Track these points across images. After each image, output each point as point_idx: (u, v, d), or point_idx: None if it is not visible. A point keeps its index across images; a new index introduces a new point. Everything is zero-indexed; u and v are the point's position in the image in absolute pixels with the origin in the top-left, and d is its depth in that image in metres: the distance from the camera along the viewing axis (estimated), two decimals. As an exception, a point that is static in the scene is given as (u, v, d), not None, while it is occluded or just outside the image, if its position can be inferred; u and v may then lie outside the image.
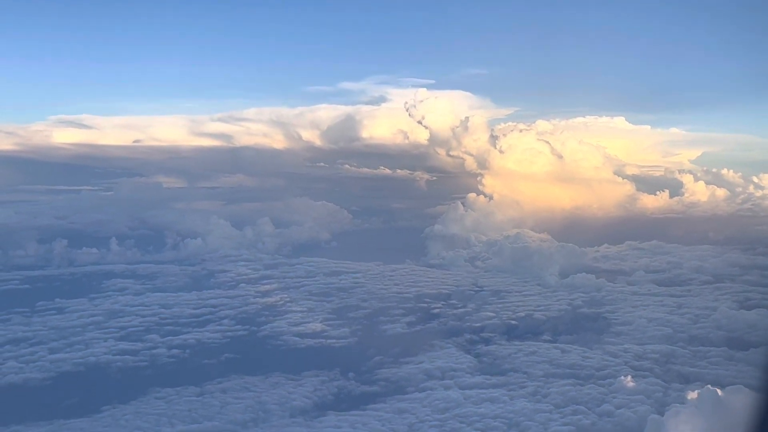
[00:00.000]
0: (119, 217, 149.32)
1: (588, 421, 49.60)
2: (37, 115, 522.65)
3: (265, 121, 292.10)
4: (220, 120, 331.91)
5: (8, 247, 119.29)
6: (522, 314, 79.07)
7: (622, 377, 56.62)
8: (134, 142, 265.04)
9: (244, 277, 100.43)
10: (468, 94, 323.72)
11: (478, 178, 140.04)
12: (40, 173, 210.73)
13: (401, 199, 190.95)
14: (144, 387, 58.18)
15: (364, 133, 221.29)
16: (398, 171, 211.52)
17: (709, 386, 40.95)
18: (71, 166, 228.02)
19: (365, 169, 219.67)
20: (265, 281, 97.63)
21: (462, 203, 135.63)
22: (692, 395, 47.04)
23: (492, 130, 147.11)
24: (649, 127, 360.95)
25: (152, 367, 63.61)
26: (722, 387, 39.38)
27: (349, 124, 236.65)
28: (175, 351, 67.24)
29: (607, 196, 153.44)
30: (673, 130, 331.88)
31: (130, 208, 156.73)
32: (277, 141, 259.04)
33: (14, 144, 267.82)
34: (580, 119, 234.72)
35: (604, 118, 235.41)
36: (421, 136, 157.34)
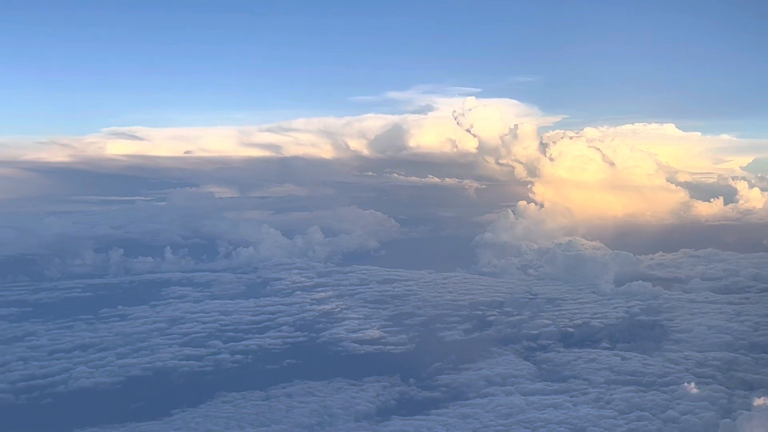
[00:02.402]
0: (173, 226, 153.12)
1: (653, 427, 49.39)
2: (91, 127, 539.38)
3: (312, 131, 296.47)
4: (268, 130, 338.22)
5: (67, 256, 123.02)
6: (579, 322, 78.91)
7: (685, 384, 56.10)
8: (185, 153, 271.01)
9: (299, 284, 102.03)
10: (515, 101, 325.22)
11: (528, 186, 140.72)
12: (95, 184, 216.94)
13: (449, 208, 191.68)
14: (210, 391, 59.56)
15: (412, 142, 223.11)
16: (446, 179, 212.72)
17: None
18: (124, 177, 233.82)
19: (413, 178, 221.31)
20: (319, 289, 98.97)
21: (512, 211, 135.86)
22: (759, 401, 46.82)
23: (541, 137, 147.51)
24: (699, 133, 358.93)
25: (217, 372, 64.88)
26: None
27: (396, 133, 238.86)
28: (238, 356, 68.62)
29: (660, 203, 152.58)
30: (724, 136, 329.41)
31: (183, 217, 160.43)
32: (325, 151, 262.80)
33: (69, 156, 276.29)
34: (628, 126, 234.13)
35: (654, 125, 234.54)
36: (470, 145, 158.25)
